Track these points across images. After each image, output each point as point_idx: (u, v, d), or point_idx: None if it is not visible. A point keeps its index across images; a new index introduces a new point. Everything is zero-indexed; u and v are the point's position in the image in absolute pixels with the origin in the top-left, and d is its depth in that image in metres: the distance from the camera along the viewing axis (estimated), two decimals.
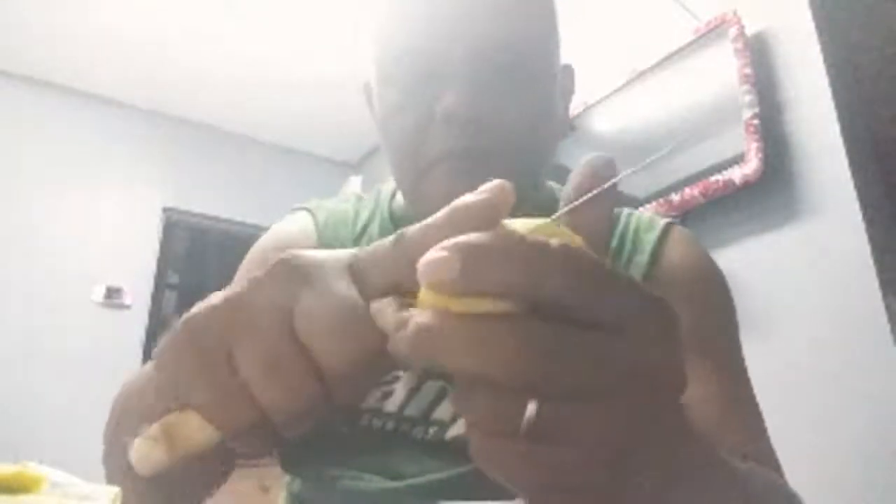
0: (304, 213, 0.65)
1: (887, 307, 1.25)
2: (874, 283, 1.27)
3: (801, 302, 1.39)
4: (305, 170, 3.86)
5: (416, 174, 0.54)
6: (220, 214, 3.53)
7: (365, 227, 0.63)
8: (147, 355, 3.04)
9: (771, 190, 1.48)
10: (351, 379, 0.24)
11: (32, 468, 0.24)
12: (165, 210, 3.41)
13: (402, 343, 0.21)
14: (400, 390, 0.52)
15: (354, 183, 3.49)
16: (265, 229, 0.67)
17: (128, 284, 3.14)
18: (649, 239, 0.58)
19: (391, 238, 0.25)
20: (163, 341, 0.25)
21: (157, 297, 3.25)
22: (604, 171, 0.26)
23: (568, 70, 0.62)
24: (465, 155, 0.51)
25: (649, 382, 0.21)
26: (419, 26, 0.52)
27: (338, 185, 3.54)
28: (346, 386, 0.24)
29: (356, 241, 0.62)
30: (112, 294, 3.09)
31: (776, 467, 0.50)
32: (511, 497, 0.23)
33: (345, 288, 0.24)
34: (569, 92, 0.62)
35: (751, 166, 1.45)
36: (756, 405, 0.53)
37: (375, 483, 0.50)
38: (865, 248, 1.30)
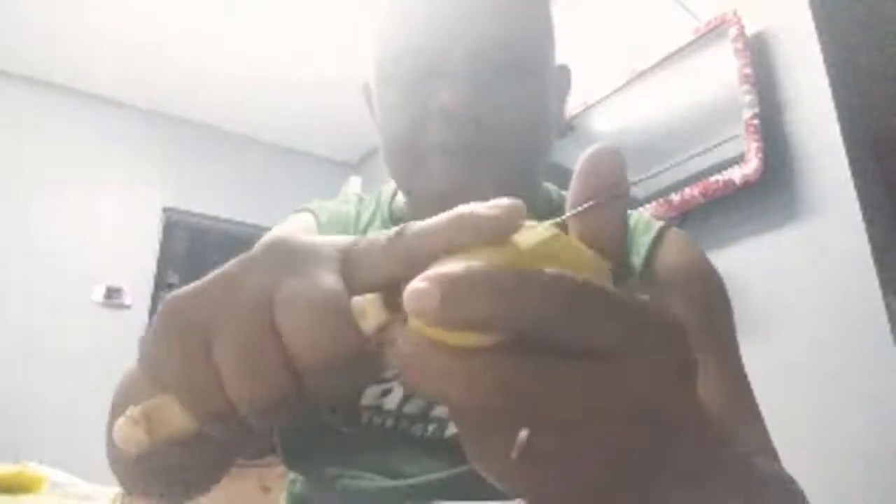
0: (306, 214, 0.66)
1: (887, 307, 1.25)
2: (874, 283, 1.27)
3: (801, 302, 1.39)
4: (305, 170, 3.86)
5: (411, 167, 0.54)
6: (220, 214, 3.54)
7: (366, 229, 0.63)
8: None
9: (771, 190, 1.48)
10: (326, 376, 0.23)
11: (32, 468, 0.24)
12: (165, 210, 3.41)
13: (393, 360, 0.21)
14: (399, 388, 0.53)
15: (354, 183, 3.49)
16: (265, 229, 0.67)
17: (128, 284, 3.15)
18: (644, 242, 0.58)
19: (391, 231, 0.24)
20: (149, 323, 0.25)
21: (157, 298, 3.25)
22: (611, 165, 0.23)
23: (564, 70, 0.62)
24: (461, 151, 0.51)
25: (648, 412, 0.20)
26: (418, 26, 0.53)
27: (338, 185, 3.54)
28: (321, 383, 0.24)
29: None
30: (112, 294, 3.09)
31: (775, 458, 0.50)
32: (511, 497, 0.23)
33: (331, 280, 0.23)
34: (564, 92, 0.63)
35: (751, 166, 1.45)
36: (755, 405, 0.53)
37: (376, 482, 0.50)
38: (865, 248, 1.30)
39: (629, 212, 0.62)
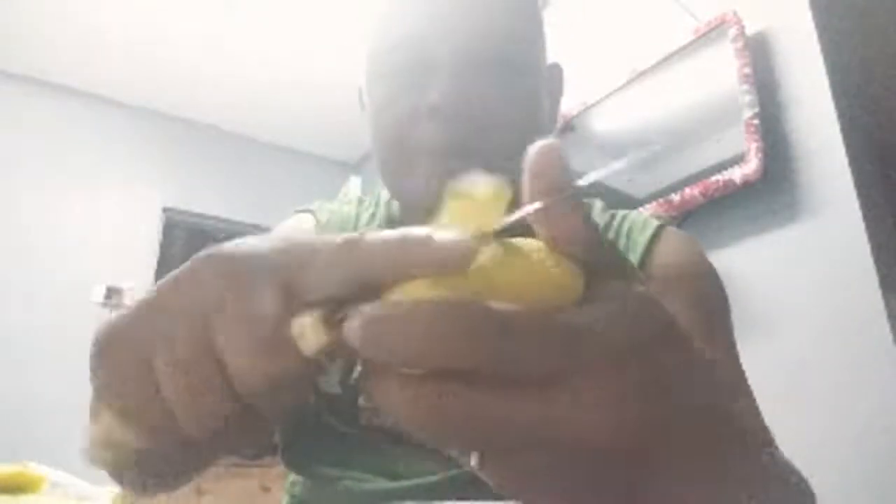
0: (306, 214, 0.66)
1: (887, 307, 1.25)
2: (874, 283, 1.27)
3: (801, 302, 1.39)
4: (305, 170, 3.86)
5: (398, 169, 0.54)
6: (220, 214, 3.53)
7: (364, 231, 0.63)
8: None
9: (771, 190, 1.48)
10: (270, 398, 0.22)
11: (32, 468, 0.24)
12: (165, 210, 3.41)
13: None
14: None
15: (354, 183, 3.49)
16: (265, 229, 0.67)
17: (128, 284, 3.14)
18: (641, 240, 0.58)
19: (340, 241, 0.22)
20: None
21: None
22: (556, 163, 0.21)
23: (556, 69, 0.62)
24: (447, 152, 0.51)
25: (569, 437, 0.19)
26: (407, 23, 0.53)
27: (338, 185, 3.54)
28: (265, 407, 0.23)
29: None
30: (112, 294, 3.08)
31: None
32: (508, 498, 0.23)
33: (269, 298, 0.21)
34: (557, 91, 0.62)
35: (751, 166, 1.45)
36: (753, 400, 0.53)
37: (376, 484, 0.50)
38: (865, 248, 1.30)
39: (625, 213, 0.62)
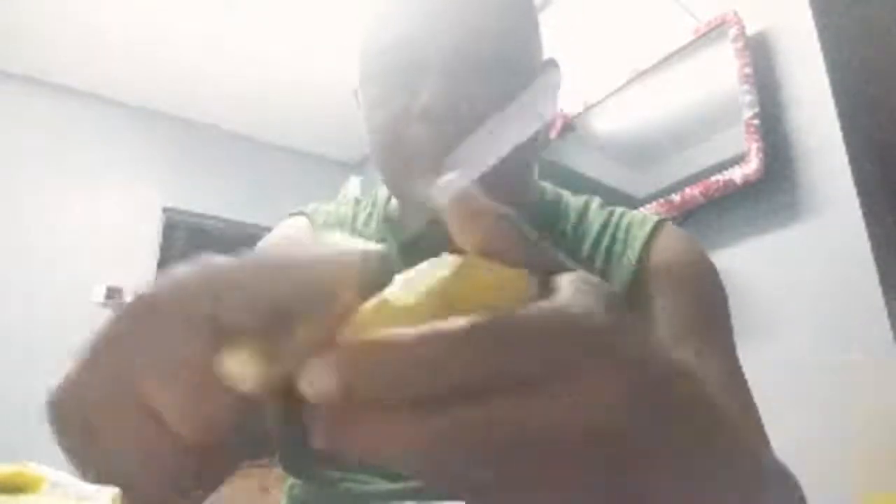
0: (301, 218, 0.66)
1: (887, 307, 1.25)
2: (875, 283, 1.27)
3: (801, 302, 1.39)
4: (305, 170, 3.86)
5: (395, 169, 0.55)
6: (220, 214, 3.53)
7: (362, 230, 0.63)
8: None
9: (771, 190, 1.48)
10: (216, 451, 0.22)
11: (32, 468, 0.24)
12: (165, 210, 3.41)
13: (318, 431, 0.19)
14: None
15: (354, 183, 3.49)
16: (265, 229, 0.67)
17: (128, 284, 3.14)
18: (640, 235, 0.57)
19: (248, 261, 0.21)
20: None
21: None
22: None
23: (551, 64, 0.61)
24: (439, 153, 0.51)
25: (595, 433, 0.19)
26: (399, 23, 0.53)
27: (338, 185, 3.54)
28: (213, 459, 0.22)
29: None
30: (112, 294, 3.08)
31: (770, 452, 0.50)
32: None
33: (197, 349, 0.20)
34: (555, 88, 0.62)
35: (751, 166, 1.45)
36: (751, 399, 0.53)
37: (376, 485, 0.50)
38: (866, 248, 1.30)
39: (623, 211, 0.62)
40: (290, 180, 3.72)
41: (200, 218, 3.52)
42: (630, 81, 1.84)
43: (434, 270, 0.20)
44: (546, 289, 0.21)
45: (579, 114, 1.96)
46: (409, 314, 0.19)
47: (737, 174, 1.47)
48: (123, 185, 3.30)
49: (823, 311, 1.35)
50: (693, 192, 1.56)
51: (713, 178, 1.52)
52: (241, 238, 3.36)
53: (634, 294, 0.54)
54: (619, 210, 0.62)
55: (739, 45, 1.55)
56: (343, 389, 0.17)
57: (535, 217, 0.58)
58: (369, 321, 0.20)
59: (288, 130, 3.68)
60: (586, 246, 0.58)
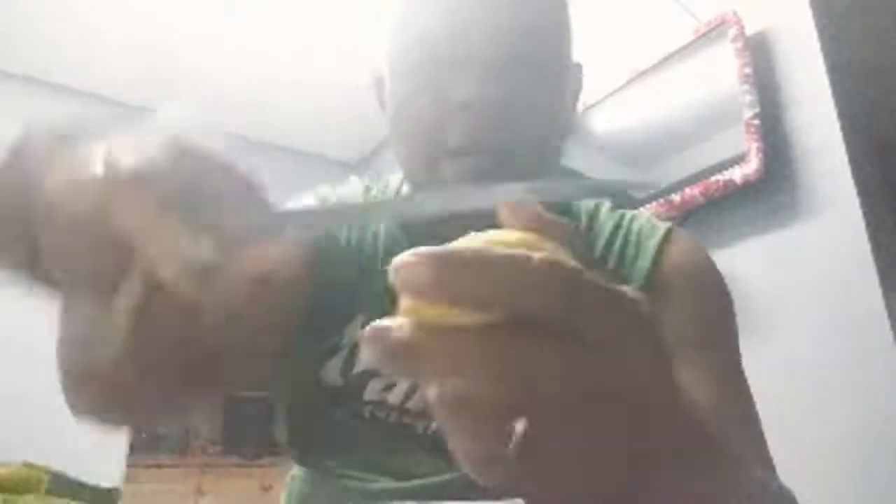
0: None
1: (887, 307, 1.25)
2: (875, 283, 1.27)
3: (801, 301, 1.39)
4: (305, 170, 3.85)
5: (428, 164, 0.53)
6: None
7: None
8: None
9: (771, 190, 1.48)
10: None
11: (32, 468, 0.24)
12: None
13: (373, 355, 0.20)
14: (402, 383, 0.52)
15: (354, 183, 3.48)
16: None
17: None
18: (652, 244, 0.58)
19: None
20: None
21: None
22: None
23: (578, 68, 0.62)
24: (476, 149, 0.50)
25: (626, 400, 0.21)
26: (435, 14, 0.52)
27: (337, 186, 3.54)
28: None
29: None
30: None
31: (770, 466, 0.50)
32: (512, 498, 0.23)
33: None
34: (577, 90, 0.62)
35: (751, 166, 1.45)
36: (753, 410, 0.53)
37: (380, 483, 0.50)
38: (866, 248, 1.30)
39: (633, 215, 0.62)
40: (289, 180, 3.69)
41: None
42: (630, 81, 1.84)
43: (490, 236, 0.22)
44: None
45: (579, 114, 1.96)
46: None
47: (737, 174, 1.47)
48: None
49: (823, 311, 1.35)
50: (693, 192, 1.56)
51: (713, 178, 1.52)
52: None
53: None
54: (628, 214, 0.62)
55: (739, 45, 1.54)
56: (431, 285, 0.19)
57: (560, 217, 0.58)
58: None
59: (288, 130, 3.68)
60: (599, 246, 0.59)
